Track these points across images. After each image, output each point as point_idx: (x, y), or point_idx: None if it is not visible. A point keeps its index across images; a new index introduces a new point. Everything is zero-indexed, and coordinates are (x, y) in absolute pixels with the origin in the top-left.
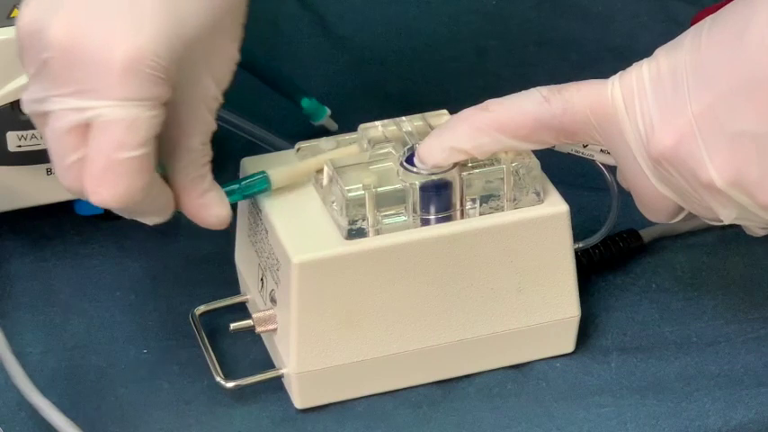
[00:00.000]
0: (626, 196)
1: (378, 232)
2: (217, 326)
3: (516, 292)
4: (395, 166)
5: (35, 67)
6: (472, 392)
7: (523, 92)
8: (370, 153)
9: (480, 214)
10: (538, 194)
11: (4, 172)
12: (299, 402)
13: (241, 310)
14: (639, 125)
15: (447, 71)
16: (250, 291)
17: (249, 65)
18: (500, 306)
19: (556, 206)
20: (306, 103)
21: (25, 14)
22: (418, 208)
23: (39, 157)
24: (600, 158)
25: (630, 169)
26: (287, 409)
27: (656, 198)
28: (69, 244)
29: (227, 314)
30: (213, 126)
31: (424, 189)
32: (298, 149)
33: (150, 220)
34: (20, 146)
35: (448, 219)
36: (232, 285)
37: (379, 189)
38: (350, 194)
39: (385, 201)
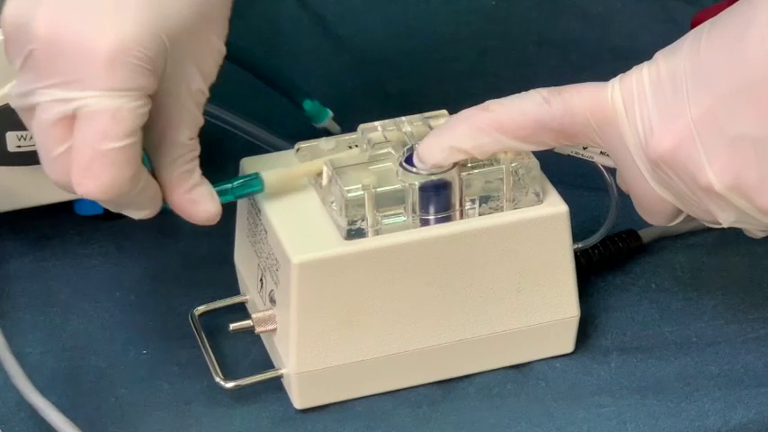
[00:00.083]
0: (625, 197)
1: (377, 232)
2: (216, 326)
3: (516, 292)
4: (394, 166)
5: (21, 61)
6: (472, 392)
7: (524, 93)
8: (369, 153)
9: (480, 214)
10: (537, 195)
11: (4, 172)
12: (298, 402)
13: (241, 311)
14: (639, 128)
15: (447, 71)
16: (249, 291)
17: (250, 66)
18: (500, 306)
19: (555, 206)
20: (308, 105)
21: (10, 8)
22: (417, 208)
23: (38, 157)
24: (600, 160)
25: (629, 172)
26: (287, 410)
27: (654, 201)
28: (69, 244)
29: (226, 314)
30: (200, 121)
31: (424, 189)
32: (297, 150)
33: (138, 214)
34: (20, 146)
35: (447, 219)
36: (232, 286)
37: (378, 189)
38: (349, 195)
39: (384, 201)
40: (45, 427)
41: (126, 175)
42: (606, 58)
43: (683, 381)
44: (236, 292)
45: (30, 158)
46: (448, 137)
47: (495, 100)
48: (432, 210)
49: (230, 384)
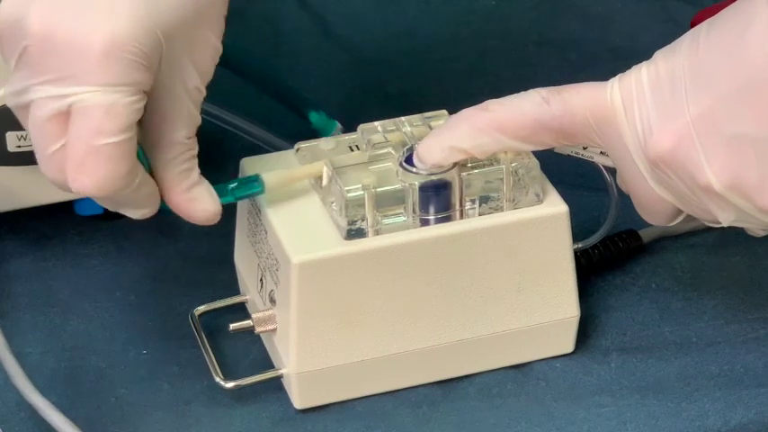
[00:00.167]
0: (625, 197)
1: (377, 232)
2: (216, 326)
3: (516, 292)
4: (394, 166)
5: (15, 58)
6: (472, 392)
7: (523, 93)
8: (369, 153)
9: (480, 214)
10: (537, 195)
11: (4, 172)
12: (298, 402)
13: (241, 311)
14: (638, 128)
15: (447, 71)
16: (249, 291)
17: (254, 78)
18: (500, 306)
19: (555, 206)
20: (314, 117)
21: (4, 6)
22: (418, 208)
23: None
24: (600, 160)
25: (629, 172)
26: (287, 409)
27: (654, 201)
28: (69, 244)
29: (226, 314)
30: (198, 119)
31: (424, 189)
32: (297, 150)
33: (136, 213)
34: (20, 146)
35: (447, 219)
36: (232, 285)
37: (378, 189)
38: (349, 195)
39: (384, 201)
40: (45, 427)
41: (121, 170)
42: (606, 58)
43: (683, 381)
44: (236, 292)
45: (30, 158)
46: (448, 137)
47: (495, 100)
48: (432, 210)
49: (230, 384)
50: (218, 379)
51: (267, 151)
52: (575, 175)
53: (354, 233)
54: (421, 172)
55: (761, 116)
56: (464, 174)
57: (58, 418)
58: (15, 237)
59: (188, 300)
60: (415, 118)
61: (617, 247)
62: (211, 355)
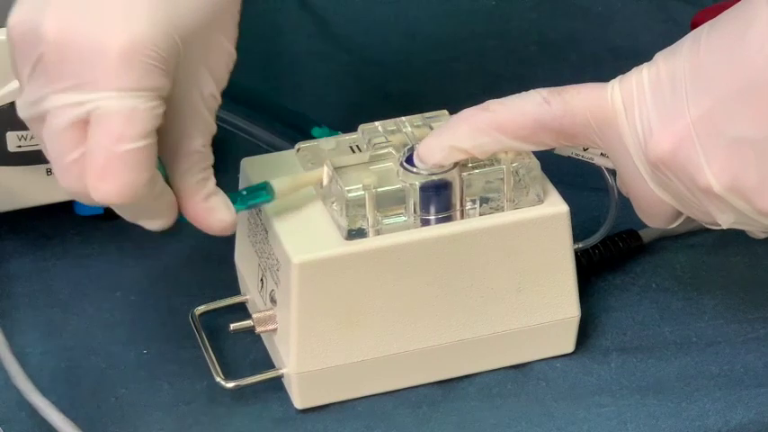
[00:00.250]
0: (625, 197)
1: (378, 232)
2: (217, 326)
3: (516, 292)
4: (395, 166)
5: (30, 67)
6: (472, 392)
7: (524, 93)
8: (370, 153)
9: (480, 214)
10: (538, 195)
11: (4, 172)
12: (298, 402)
13: (241, 311)
14: (638, 129)
15: (447, 71)
16: (250, 291)
17: (253, 103)
18: (500, 306)
19: (556, 206)
20: (317, 132)
21: (15, 17)
22: (418, 208)
23: (39, 157)
24: (600, 162)
25: (629, 173)
26: (287, 409)
27: (654, 203)
28: (69, 244)
29: (227, 314)
30: (213, 127)
31: (424, 189)
32: (298, 150)
33: (154, 224)
34: (20, 146)
35: (448, 219)
36: (232, 285)
37: (379, 189)
38: (350, 195)
39: (385, 201)
40: (45, 427)
41: (143, 177)
42: (606, 58)
43: (683, 381)
44: (237, 292)
45: (30, 158)
46: (448, 137)
47: (496, 100)
48: (432, 210)
49: (231, 384)
50: (218, 379)
51: (268, 151)
52: (575, 175)
53: (355, 233)
54: (421, 172)
55: (761, 118)
56: (465, 174)
57: (57, 418)
58: (15, 237)
59: (188, 300)
60: (416, 118)
61: (617, 247)
62: (212, 354)
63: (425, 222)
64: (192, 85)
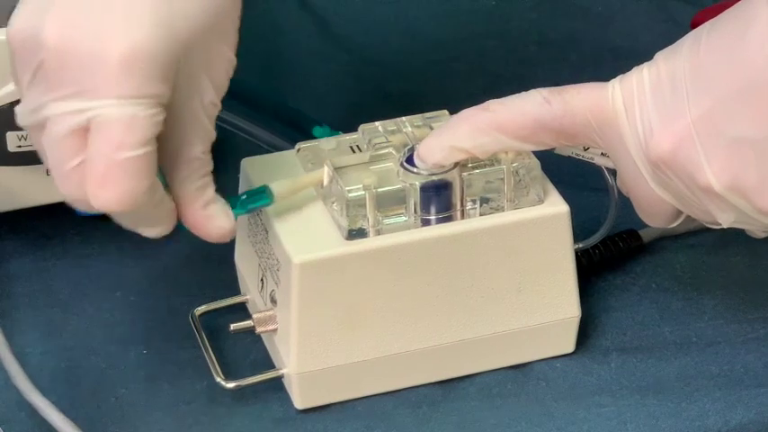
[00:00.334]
0: (626, 197)
1: (378, 232)
2: (217, 326)
3: (516, 292)
4: (395, 166)
5: (30, 74)
6: (472, 392)
7: (524, 93)
8: (370, 153)
9: (481, 214)
10: (538, 195)
11: (4, 172)
12: (299, 402)
13: (241, 311)
14: (639, 129)
15: (447, 71)
16: (250, 291)
17: (254, 101)
18: (500, 306)
19: (556, 206)
20: (318, 132)
21: (15, 24)
22: (419, 208)
23: (39, 157)
24: (600, 162)
25: (629, 173)
26: (287, 410)
27: (654, 202)
28: (69, 244)
29: (227, 314)
30: (213, 134)
31: (425, 189)
32: (298, 150)
33: (152, 232)
34: (20, 146)
35: (448, 219)
36: (232, 285)
37: (379, 189)
38: (350, 195)
39: (385, 201)
40: (45, 427)
41: (143, 185)
42: (606, 58)
43: (683, 381)
44: (237, 292)
45: (30, 158)
46: (448, 137)
47: (496, 100)
48: (433, 210)
49: (231, 384)
50: (218, 379)
51: (268, 151)
52: (575, 175)
53: (355, 233)
54: (422, 172)
55: (761, 117)
56: (465, 174)
57: (58, 418)
58: (15, 237)
59: (188, 300)
60: (416, 118)
61: (617, 247)
62: (212, 355)
63: (426, 222)
64: (193, 93)
